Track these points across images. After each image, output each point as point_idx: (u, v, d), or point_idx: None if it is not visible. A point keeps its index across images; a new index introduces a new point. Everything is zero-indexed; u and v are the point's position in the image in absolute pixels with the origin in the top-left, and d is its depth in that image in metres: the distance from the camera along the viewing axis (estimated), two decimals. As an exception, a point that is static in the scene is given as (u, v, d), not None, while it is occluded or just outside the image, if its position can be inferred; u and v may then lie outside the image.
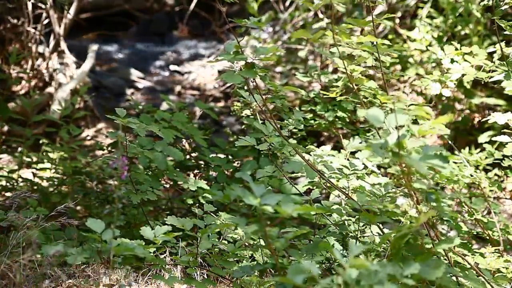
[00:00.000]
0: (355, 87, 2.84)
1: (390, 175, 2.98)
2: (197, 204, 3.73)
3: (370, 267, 1.69)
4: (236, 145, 2.90)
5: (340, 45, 2.71)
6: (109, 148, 4.62)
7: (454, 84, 3.35)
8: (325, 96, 3.72)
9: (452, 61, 3.36)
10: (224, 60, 2.55)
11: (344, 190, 2.82)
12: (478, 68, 3.34)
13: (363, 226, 2.98)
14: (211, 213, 3.09)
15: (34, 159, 5.09)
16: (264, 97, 2.76)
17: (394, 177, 2.20)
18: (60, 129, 5.24)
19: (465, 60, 3.34)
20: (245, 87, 2.79)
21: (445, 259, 2.47)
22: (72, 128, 5.13)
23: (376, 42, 2.78)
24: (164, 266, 2.78)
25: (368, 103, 3.00)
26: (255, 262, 2.92)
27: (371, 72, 3.07)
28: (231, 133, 4.90)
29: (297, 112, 2.89)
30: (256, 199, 1.90)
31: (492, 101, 6.16)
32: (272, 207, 1.90)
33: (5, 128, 6.23)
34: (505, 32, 3.25)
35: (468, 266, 2.61)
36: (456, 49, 3.37)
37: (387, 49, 2.87)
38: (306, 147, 3.08)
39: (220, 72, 8.46)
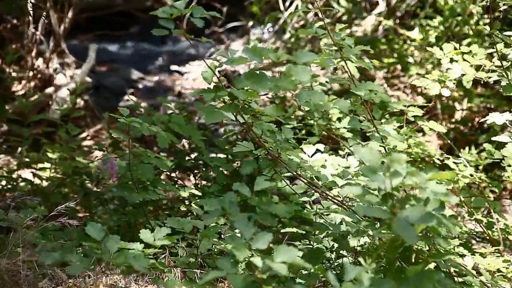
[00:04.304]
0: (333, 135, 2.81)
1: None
2: (190, 210, 3.74)
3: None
4: (234, 151, 2.88)
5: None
6: (108, 150, 4.62)
7: (454, 83, 3.35)
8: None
9: (452, 60, 3.36)
10: (207, 94, 2.45)
11: (338, 199, 2.81)
12: (478, 68, 3.33)
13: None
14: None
15: (34, 159, 5.09)
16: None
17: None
18: (59, 129, 5.24)
19: (464, 60, 3.33)
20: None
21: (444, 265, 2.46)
22: (70, 128, 5.13)
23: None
24: (164, 270, 2.78)
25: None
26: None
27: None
28: (231, 133, 4.90)
29: (286, 129, 2.86)
30: (246, 250, 1.88)
31: (492, 102, 6.17)
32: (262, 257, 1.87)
33: (5, 128, 6.23)
34: (506, 33, 3.25)
35: (468, 268, 2.61)
36: (455, 48, 3.36)
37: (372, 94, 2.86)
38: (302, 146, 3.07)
39: (220, 72, 8.45)
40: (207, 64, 2.45)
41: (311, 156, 3.02)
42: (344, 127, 2.89)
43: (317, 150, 3.04)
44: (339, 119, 2.95)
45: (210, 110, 2.45)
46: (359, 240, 2.86)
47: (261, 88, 2.14)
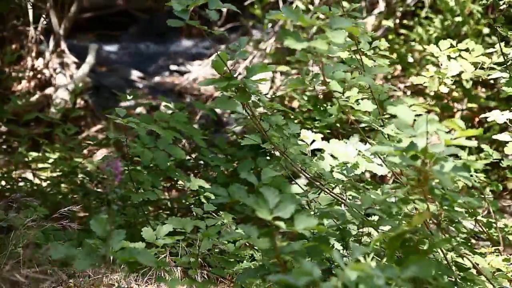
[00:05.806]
0: (351, 118, 2.80)
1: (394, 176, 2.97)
2: (196, 204, 3.73)
3: (370, 271, 1.68)
4: (241, 144, 2.89)
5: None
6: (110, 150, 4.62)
7: (452, 81, 3.35)
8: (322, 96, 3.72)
9: (449, 58, 3.36)
10: (217, 83, 2.46)
11: (341, 196, 2.82)
12: (476, 65, 3.33)
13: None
14: (212, 213, 3.09)
15: (34, 159, 5.09)
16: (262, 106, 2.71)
17: (409, 180, 2.15)
18: (56, 129, 5.25)
19: (462, 57, 3.33)
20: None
21: (445, 261, 2.47)
22: (68, 127, 5.13)
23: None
24: (165, 269, 2.79)
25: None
26: (258, 264, 2.92)
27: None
28: (232, 133, 4.90)
29: (293, 124, 2.87)
30: (269, 215, 1.90)
31: (491, 103, 6.17)
32: (284, 221, 1.90)
33: (4, 128, 6.23)
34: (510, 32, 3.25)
35: (469, 265, 2.62)
36: (452, 46, 3.36)
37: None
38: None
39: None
40: (218, 55, 2.46)
41: (310, 144, 3.05)
42: (364, 110, 2.88)
43: (314, 141, 3.07)
44: (357, 101, 2.95)
45: (223, 99, 2.48)
46: (360, 230, 2.87)
47: (296, 45, 2.15)
